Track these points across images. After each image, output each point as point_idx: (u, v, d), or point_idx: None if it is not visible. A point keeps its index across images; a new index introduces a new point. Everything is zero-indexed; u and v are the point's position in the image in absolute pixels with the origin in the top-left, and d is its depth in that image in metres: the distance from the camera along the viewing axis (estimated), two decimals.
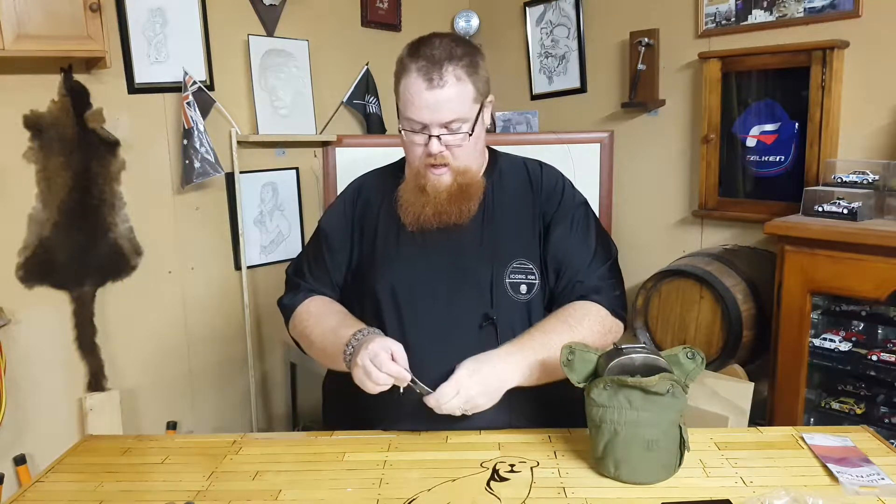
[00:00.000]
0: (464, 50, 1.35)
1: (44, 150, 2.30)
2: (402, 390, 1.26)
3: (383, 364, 1.22)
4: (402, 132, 1.38)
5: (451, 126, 1.33)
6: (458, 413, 1.25)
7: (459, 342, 1.34)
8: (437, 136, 1.33)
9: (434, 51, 1.32)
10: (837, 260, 2.02)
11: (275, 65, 2.83)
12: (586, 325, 1.35)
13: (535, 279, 1.39)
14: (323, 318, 1.43)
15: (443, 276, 1.38)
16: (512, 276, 1.38)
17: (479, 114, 1.36)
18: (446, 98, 1.31)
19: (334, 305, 1.47)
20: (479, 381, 1.25)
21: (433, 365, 1.33)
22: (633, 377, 1.12)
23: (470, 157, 1.38)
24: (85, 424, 2.44)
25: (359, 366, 1.24)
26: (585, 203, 1.49)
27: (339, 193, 1.59)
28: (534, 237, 1.42)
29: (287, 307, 1.51)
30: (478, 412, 1.27)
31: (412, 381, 1.24)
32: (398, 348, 1.25)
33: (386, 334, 1.36)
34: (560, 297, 1.41)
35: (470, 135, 1.35)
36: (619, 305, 1.43)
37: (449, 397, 1.23)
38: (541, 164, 1.52)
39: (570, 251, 1.42)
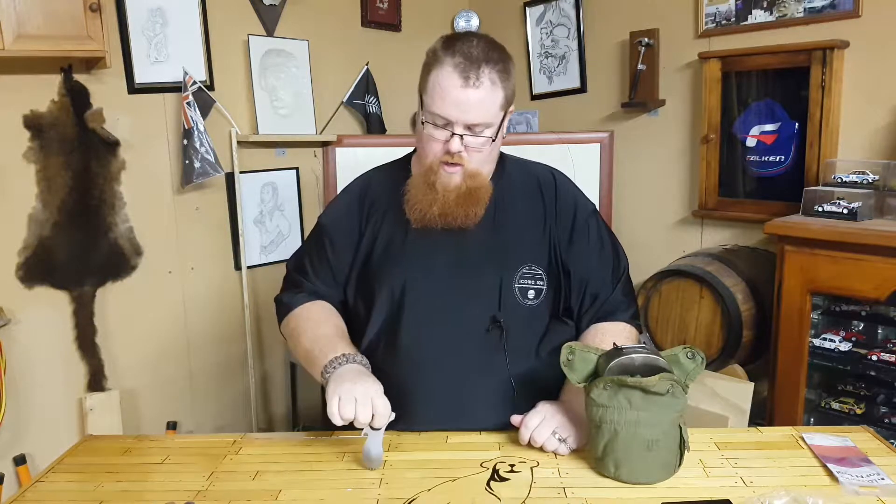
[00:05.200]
0: (499, 55, 1.34)
1: (44, 150, 2.30)
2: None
3: (358, 416, 1.18)
4: (424, 124, 1.35)
5: (475, 129, 1.31)
6: (552, 444, 1.23)
7: (465, 344, 1.34)
8: (460, 136, 1.31)
9: (472, 49, 1.30)
10: (837, 260, 2.02)
11: (275, 65, 2.83)
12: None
13: (543, 285, 1.38)
14: (320, 324, 1.40)
15: (450, 278, 1.37)
16: (521, 281, 1.37)
17: (502, 121, 1.35)
18: (478, 100, 1.29)
19: (334, 318, 1.44)
20: (565, 413, 1.26)
21: (438, 367, 1.33)
22: (633, 377, 1.12)
23: (484, 162, 1.37)
24: (85, 424, 2.44)
25: (337, 397, 1.19)
26: (595, 211, 1.49)
27: (343, 189, 1.55)
28: (543, 243, 1.41)
29: (285, 305, 1.47)
30: (577, 446, 1.24)
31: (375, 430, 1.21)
32: (382, 406, 1.20)
33: (392, 334, 1.36)
34: (581, 312, 1.43)
35: (493, 140, 1.33)
36: (636, 317, 1.46)
37: (536, 422, 1.23)
38: (553, 172, 1.50)
39: (592, 267, 1.42)
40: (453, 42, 1.32)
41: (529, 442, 1.24)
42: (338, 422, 1.18)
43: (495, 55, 1.32)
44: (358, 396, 1.19)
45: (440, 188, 1.34)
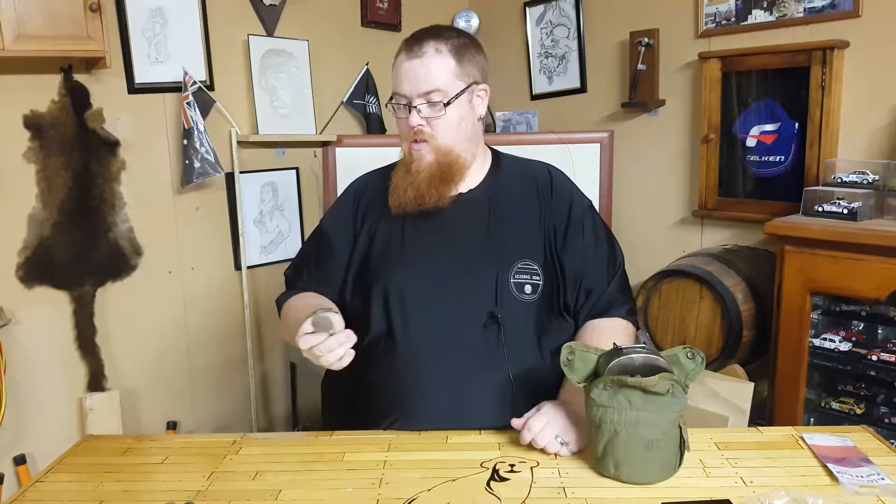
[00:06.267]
0: (455, 34, 1.39)
1: (44, 150, 2.30)
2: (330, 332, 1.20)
3: (306, 342, 1.19)
4: (390, 107, 1.41)
5: (430, 97, 1.35)
6: (553, 446, 1.22)
7: (464, 341, 1.34)
8: (417, 108, 1.35)
9: (424, 32, 1.38)
10: (837, 260, 2.02)
11: (275, 65, 2.83)
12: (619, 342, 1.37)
13: (540, 280, 1.39)
14: (299, 307, 1.41)
15: (448, 275, 1.38)
16: (517, 276, 1.38)
17: (462, 92, 1.37)
18: (424, 67, 1.34)
19: (315, 298, 1.45)
20: (568, 415, 1.25)
21: (437, 364, 1.33)
22: (633, 377, 1.12)
23: (452, 135, 1.38)
24: (85, 424, 2.44)
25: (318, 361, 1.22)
26: (591, 206, 1.50)
27: (341, 193, 1.59)
28: (539, 239, 1.42)
29: (278, 305, 1.52)
30: (578, 448, 1.23)
31: (319, 321, 1.19)
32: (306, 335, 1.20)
33: (391, 332, 1.37)
34: (577, 307, 1.43)
35: (445, 105, 1.35)
36: (633, 312, 1.47)
37: (540, 425, 1.22)
38: (548, 167, 1.52)
39: (587, 262, 1.43)
40: (413, 34, 1.41)
41: (531, 443, 1.24)
42: (339, 360, 1.20)
43: (450, 34, 1.39)
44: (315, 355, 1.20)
45: (414, 170, 1.38)
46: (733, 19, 2.60)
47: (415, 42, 1.36)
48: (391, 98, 1.41)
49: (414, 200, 1.38)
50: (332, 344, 1.19)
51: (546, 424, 1.23)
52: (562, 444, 1.22)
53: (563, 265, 1.42)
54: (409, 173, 1.39)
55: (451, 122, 1.37)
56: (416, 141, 1.38)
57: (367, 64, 3.07)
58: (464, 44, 1.39)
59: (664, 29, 2.80)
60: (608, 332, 1.37)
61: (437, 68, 1.35)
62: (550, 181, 1.48)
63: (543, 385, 1.35)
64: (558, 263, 1.42)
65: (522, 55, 3.32)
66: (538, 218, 1.44)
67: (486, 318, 1.35)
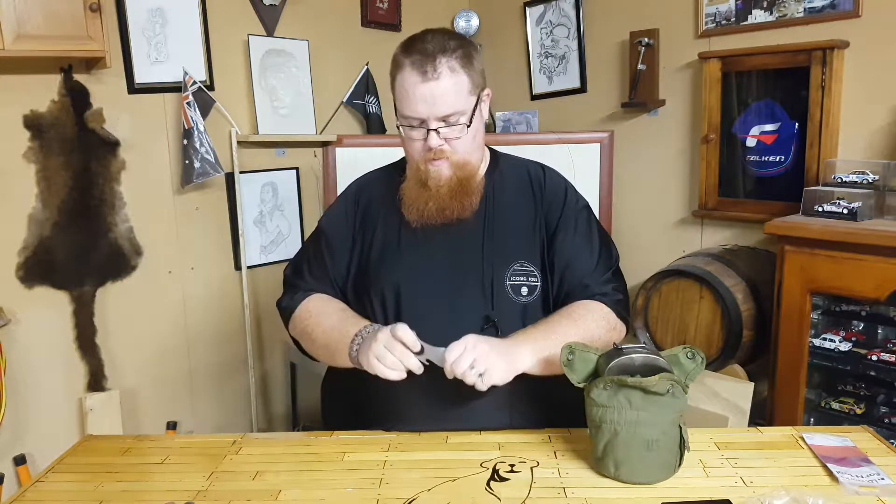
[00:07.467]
0: (457, 43, 1.34)
1: (44, 150, 2.30)
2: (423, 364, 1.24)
3: (394, 349, 1.21)
4: (400, 129, 1.37)
5: (448, 119, 1.32)
6: (470, 377, 1.19)
7: None
8: (436, 130, 1.32)
9: (427, 45, 1.32)
10: (837, 260, 2.02)
11: (275, 65, 2.83)
12: (590, 320, 1.35)
13: (537, 281, 1.39)
14: (324, 315, 1.42)
15: (444, 277, 1.38)
16: (513, 277, 1.38)
17: (476, 106, 1.36)
18: (442, 90, 1.30)
19: (334, 303, 1.46)
20: (492, 345, 1.22)
21: (435, 366, 1.33)
22: (633, 377, 1.12)
23: (469, 150, 1.37)
24: (85, 424, 2.44)
25: (372, 352, 1.23)
26: (587, 207, 1.49)
27: (340, 193, 1.58)
28: (535, 239, 1.42)
29: (286, 309, 1.49)
30: (494, 383, 1.21)
31: (423, 351, 1.23)
32: (404, 331, 1.23)
33: None
34: (564, 302, 1.41)
35: (468, 126, 1.34)
36: (622, 308, 1.43)
37: (456, 353, 1.19)
38: (543, 166, 1.52)
39: (574, 256, 1.41)
40: (410, 43, 1.35)
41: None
42: (397, 375, 1.22)
43: (452, 44, 1.33)
44: (383, 346, 1.22)
45: (432, 185, 1.36)
46: (733, 19, 2.60)
47: (426, 61, 1.30)
48: (396, 115, 1.38)
49: (437, 213, 1.36)
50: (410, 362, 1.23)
51: (464, 352, 1.20)
52: (479, 375, 1.20)
53: (553, 258, 1.41)
54: (425, 188, 1.36)
55: (469, 137, 1.36)
56: (432, 159, 1.35)
57: (367, 64, 3.07)
58: (467, 52, 1.35)
59: (664, 29, 2.80)
60: (583, 309, 1.35)
61: (455, 89, 1.31)
62: (544, 178, 1.48)
63: (541, 386, 1.35)
64: (548, 257, 1.41)
65: (522, 55, 3.32)
66: (533, 217, 1.44)
67: (483, 320, 1.35)
